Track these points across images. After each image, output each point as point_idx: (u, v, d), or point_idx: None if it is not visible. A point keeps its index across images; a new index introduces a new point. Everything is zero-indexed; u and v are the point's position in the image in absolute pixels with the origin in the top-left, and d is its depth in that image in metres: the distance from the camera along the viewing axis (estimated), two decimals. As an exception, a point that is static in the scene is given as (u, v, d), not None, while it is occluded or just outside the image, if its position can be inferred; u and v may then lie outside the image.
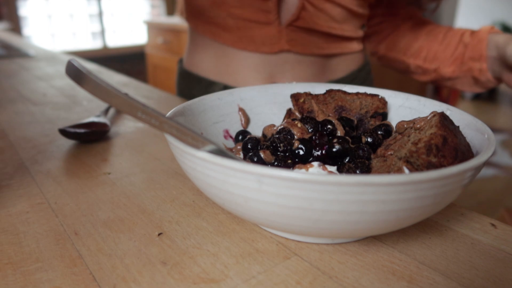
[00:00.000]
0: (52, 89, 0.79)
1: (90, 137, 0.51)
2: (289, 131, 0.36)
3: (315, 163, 0.33)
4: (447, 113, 0.37)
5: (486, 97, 4.02)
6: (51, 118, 0.61)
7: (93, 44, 3.47)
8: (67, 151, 0.49)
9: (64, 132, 0.50)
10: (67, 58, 1.18)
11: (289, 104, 0.45)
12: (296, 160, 0.34)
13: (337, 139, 0.34)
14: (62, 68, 1.01)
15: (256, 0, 0.60)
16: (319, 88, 0.45)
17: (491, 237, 0.32)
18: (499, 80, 0.59)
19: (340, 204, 0.23)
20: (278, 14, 0.61)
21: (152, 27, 2.77)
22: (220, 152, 0.29)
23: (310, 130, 0.38)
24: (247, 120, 0.44)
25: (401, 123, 0.37)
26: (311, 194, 0.23)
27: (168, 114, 0.35)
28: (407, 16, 0.72)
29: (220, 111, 0.42)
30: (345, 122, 0.39)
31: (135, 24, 3.65)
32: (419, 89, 3.07)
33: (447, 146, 0.28)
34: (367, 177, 0.22)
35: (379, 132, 0.38)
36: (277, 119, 0.45)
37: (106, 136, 0.53)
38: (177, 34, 2.54)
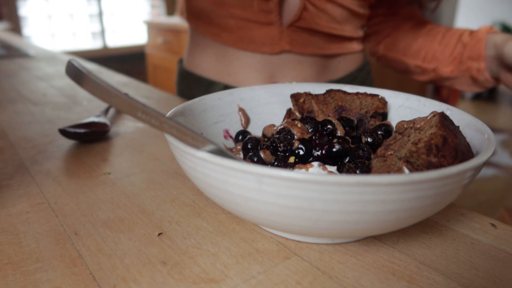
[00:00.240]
0: (52, 89, 0.79)
1: (90, 137, 0.51)
2: (289, 131, 0.36)
3: (315, 163, 0.33)
4: (447, 113, 0.37)
5: (486, 97, 4.02)
6: (51, 118, 0.61)
7: (93, 44, 3.47)
8: (67, 151, 0.49)
9: (64, 132, 0.50)
10: (67, 58, 1.18)
11: (289, 104, 0.45)
12: (296, 160, 0.34)
13: (337, 139, 0.34)
14: (62, 68, 1.01)
15: (257, 0, 0.60)
16: (319, 88, 0.45)
17: (491, 237, 0.32)
18: (497, 80, 0.59)
19: (340, 204, 0.23)
20: (279, 15, 0.61)
21: (152, 27, 2.77)
22: (220, 152, 0.29)
23: (310, 130, 0.38)
24: (247, 120, 0.44)
25: (401, 123, 0.37)
26: (311, 194, 0.23)
27: (168, 114, 0.35)
28: (407, 16, 0.72)
29: (220, 111, 0.42)
30: (345, 122, 0.39)
31: (135, 24, 3.65)
32: (419, 89, 3.07)
33: (447, 146, 0.28)
34: (367, 177, 0.22)
35: (379, 132, 0.38)
36: (277, 119, 0.45)
37: (106, 136, 0.53)
38: (177, 34, 2.54)
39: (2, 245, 0.30)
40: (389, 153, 0.33)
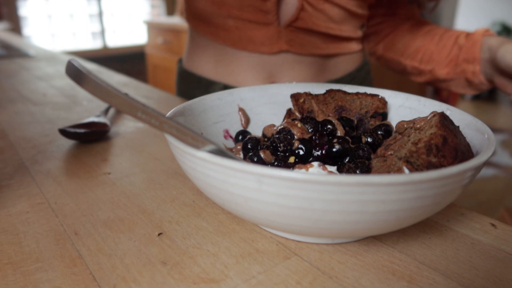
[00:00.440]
0: (52, 89, 0.79)
1: (90, 137, 0.51)
2: (289, 131, 0.36)
3: (315, 163, 0.33)
4: (447, 113, 0.37)
5: (486, 97, 4.02)
6: (51, 118, 0.61)
7: (93, 44, 3.47)
8: (67, 151, 0.49)
9: (64, 132, 0.50)
10: (67, 58, 1.18)
11: (289, 104, 0.45)
12: (296, 160, 0.34)
13: (337, 139, 0.34)
14: (62, 68, 1.01)
15: (255, 0, 0.60)
16: (319, 88, 0.45)
17: (491, 237, 0.32)
18: (492, 82, 0.60)
19: (340, 204, 0.23)
20: (277, 15, 0.61)
21: (152, 27, 2.77)
22: (220, 152, 0.29)
23: (310, 130, 0.38)
24: (247, 120, 0.44)
25: (401, 123, 0.37)
26: (311, 194, 0.23)
27: (168, 114, 0.35)
28: (406, 16, 0.72)
29: (220, 111, 0.42)
30: (345, 122, 0.39)
31: (135, 24, 3.65)
32: (419, 89, 3.07)
33: (447, 146, 0.28)
34: (367, 177, 0.22)
35: (379, 132, 0.38)
36: (277, 119, 0.45)
37: (106, 136, 0.53)
38: (177, 34, 2.54)
39: (2, 245, 0.30)
40: (389, 153, 0.33)
